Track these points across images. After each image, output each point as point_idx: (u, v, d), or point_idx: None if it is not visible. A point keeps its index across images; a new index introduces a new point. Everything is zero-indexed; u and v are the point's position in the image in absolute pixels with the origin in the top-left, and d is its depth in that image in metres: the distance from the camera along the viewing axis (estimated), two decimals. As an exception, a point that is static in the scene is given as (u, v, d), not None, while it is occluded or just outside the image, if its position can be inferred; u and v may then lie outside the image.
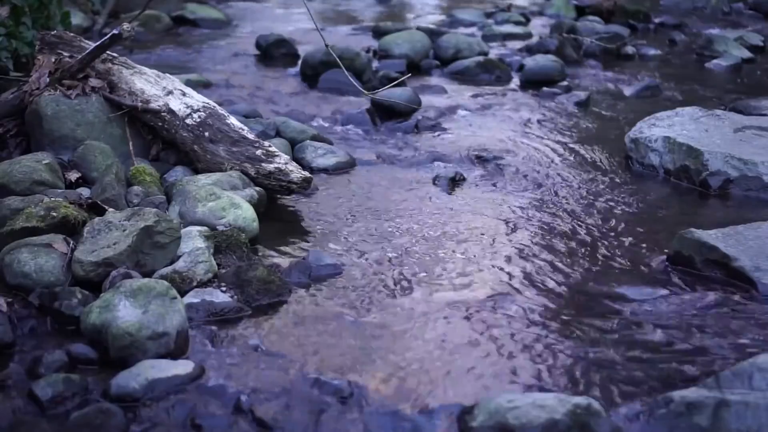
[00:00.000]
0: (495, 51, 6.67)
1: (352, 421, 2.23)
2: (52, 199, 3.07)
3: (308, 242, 3.32)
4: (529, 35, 7.37)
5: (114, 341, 2.44)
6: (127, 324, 2.45)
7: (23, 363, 2.44)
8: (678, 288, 3.01)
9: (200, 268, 2.89)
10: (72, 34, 4.03)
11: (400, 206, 3.69)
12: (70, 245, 2.85)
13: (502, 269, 3.13)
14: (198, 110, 3.73)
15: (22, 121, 3.68)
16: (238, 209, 3.25)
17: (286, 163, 3.64)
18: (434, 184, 3.96)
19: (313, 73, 5.64)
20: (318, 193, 3.80)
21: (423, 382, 2.42)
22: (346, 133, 4.65)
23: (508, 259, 3.21)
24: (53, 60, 3.75)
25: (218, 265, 2.99)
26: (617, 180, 4.08)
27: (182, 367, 2.38)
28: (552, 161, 4.30)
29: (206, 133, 3.68)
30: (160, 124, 3.72)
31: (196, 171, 3.67)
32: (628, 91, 5.70)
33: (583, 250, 3.31)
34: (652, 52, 6.93)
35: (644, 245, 3.35)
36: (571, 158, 4.36)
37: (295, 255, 3.19)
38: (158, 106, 3.70)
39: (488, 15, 8.27)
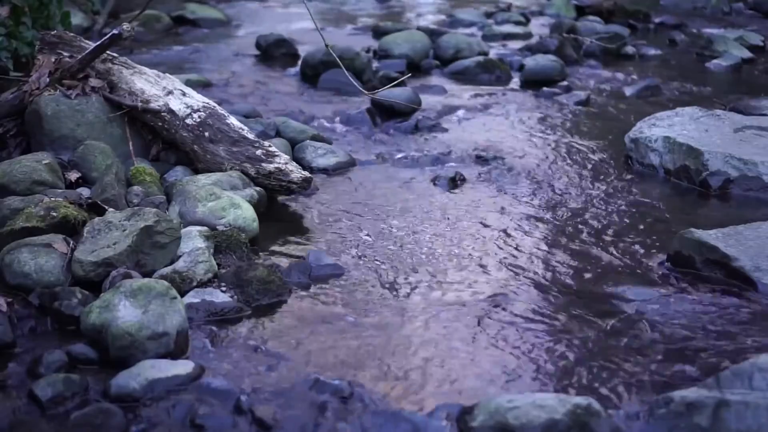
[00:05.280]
0: (495, 51, 6.67)
1: (351, 422, 2.23)
2: (52, 199, 3.07)
3: (308, 242, 3.32)
4: (529, 35, 7.37)
5: (114, 341, 2.44)
6: (127, 324, 2.45)
7: (23, 363, 2.44)
8: (678, 288, 3.00)
9: (200, 268, 2.89)
10: (72, 34, 4.03)
11: (400, 206, 3.69)
12: (70, 245, 2.85)
13: (501, 269, 3.13)
14: (198, 110, 3.73)
15: (22, 121, 3.68)
16: (238, 209, 3.25)
17: (286, 163, 3.64)
18: (434, 184, 3.96)
19: (313, 73, 5.63)
20: (318, 193, 3.80)
21: (423, 382, 2.42)
22: (346, 133, 4.65)
23: (508, 259, 3.21)
24: (53, 60, 3.75)
25: (218, 265, 2.99)
26: (617, 180, 4.08)
27: (182, 367, 2.38)
28: (552, 161, 4.30)
29: (206, 133, 3.68)
30: (160, 124, 3.72)
31: (196, 171, 3.67)
32: (628, 91, 5.70)
33: (583, 250, 3.31)
34: (652, 52, 6.93)
35: (644, 245, 3.35)
36: (571, 158, 4.36)
37: (295, 255, 3.19)
38: (158, 106, 3.70)
39: (488, 15, 8.26)
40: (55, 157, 3.44)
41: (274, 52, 6.39)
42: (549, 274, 3.10)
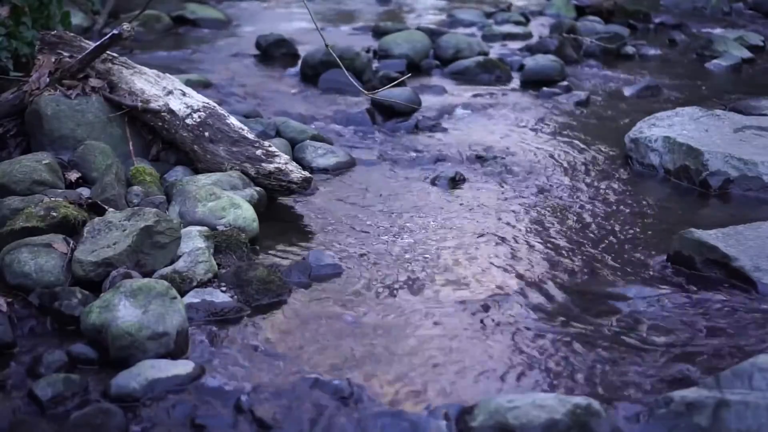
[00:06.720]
0: (495, 51, 6.67)
1: (351, 421, 2.23)
2: (52, 199, 3.07)
3: (308, 242, 3.32)
4: (529, 35, 7.37)
5: (114, 341, 2.44)
6: (127, 324, 2.45)
7: (23, 363, 2.44)
8: (678, 288, 3.01)
9: (200, 268, 2.89)
10: (72, 34, 4.03)
11: (400, 206, 3.69)
12: (70, 245, 2.85)
13: (501, 269, 3.13)
14: (198, 110, 3.73)
15: (22, 121, 3.68)
16: (238, 209, 3.25)
17: (286, 163, 3.64)
18: (434, 184, 3.96)
19: (313, 73, 5.64)
20: (318, 193, 3.80)
21: (423, 381, 2.42)
22: (346, 133, 4.65)
23: (508, 259, 3.21)
24: (53, 60, 3.75)
25: (218, 265, 2.99)
26: (617, 180, 4.08)
27: (182, 367, 2.38)
28: (552, 161, 4.30)
29: (206, 133, 3.68)
30: (160, 124, 3.72)
31: (196, 171, 3.67)
32: (628, 91, 5.70)
33: (583, 250, 3.31)
34: (652, 52, 6.93)
35: (644, 245, 3.35)
36: (571, 158, 4.36)
37: (295, 255, 3.19)
38: (158, 106, 3.70)
39: (488, 15, 8.27)
40: (55, 157, 3.44)
41: (274, 52, 6.40)
42: (549, 274, 3.10)
